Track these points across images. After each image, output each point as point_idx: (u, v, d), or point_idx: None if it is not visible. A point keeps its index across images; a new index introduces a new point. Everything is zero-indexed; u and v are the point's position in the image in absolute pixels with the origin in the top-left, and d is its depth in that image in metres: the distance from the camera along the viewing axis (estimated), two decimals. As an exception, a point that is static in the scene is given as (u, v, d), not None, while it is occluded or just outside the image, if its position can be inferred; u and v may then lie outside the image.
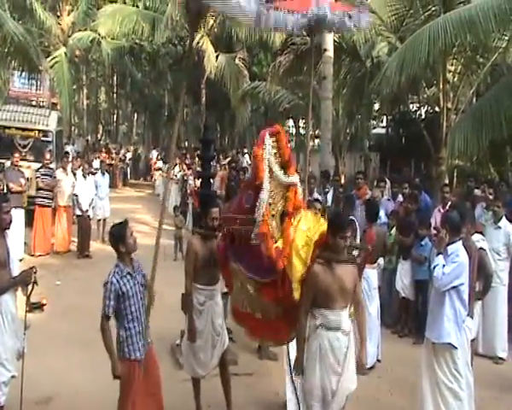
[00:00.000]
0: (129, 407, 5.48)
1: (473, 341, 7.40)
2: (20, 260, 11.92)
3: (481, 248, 7.80)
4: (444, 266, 6.13)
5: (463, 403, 6.31)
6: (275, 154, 5.78)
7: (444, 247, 6.31)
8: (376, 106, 24.12)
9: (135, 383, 5.48)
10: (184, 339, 6.71)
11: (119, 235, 5.54)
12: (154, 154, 34.37)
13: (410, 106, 21.41)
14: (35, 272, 5.88)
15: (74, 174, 15.56)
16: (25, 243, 14.53)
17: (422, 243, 10.03)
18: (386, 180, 14.66)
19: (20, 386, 5.76)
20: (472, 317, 7.12)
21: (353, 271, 5.52)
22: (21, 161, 15.10)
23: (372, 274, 8.70)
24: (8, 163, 14.73)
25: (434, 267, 6.23)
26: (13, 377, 6.00)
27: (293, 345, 6.14)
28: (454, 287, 6.16)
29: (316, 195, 12.22)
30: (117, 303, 5.41)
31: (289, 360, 6.38)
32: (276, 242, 5.58)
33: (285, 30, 6.50)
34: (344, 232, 5.35)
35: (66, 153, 17.15)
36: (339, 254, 5.39)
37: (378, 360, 8.71)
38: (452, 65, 14.42)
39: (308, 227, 5.56)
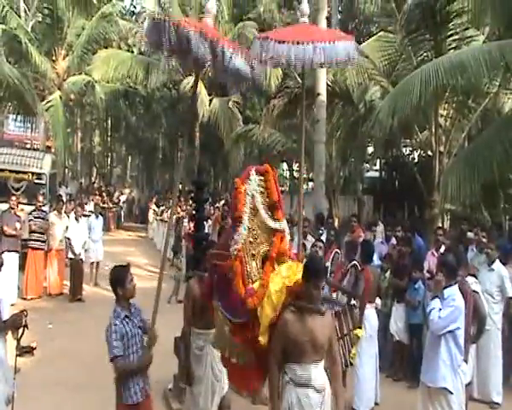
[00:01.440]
0: None
1: (468, 385, 7.36)
2: (12, 305, 11.80)
3: (475, 291, 7.78)
4: (440, 309, 6.10)
5: (459, 447, 6.22)
6: (261, 192, 5.60)
7: (441, 290, 6.29)
8: (370, 149, 24.32)
9: None
10: (188, 388, 6.61)
11: (118, 278, 5.52)
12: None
13: (403, 149, 21.61)
14: (26, 316, 5.80)
15: (68, 217, 15.51)
16: (17, 287, 14.43)
17: (416, 286, 9.98)
18: (379, 223, 14.69)
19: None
20: (467, 361, 7.07)
21: (329, 323, 5.07)
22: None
23: (372, 314, 8.59)
24: (4, 206, 14.65)
25: (430, 311, 6.20)
26: None
27: None
28: (450, 331, 6.13)
29: (309, 237, 12.21)
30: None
31: None
32: (252, 282, 5.35)
33: (283, 61, 6.14)
34: (318, 281, 4.91)
35: (59, 196, 17.14)
36: (312, 304, 4.95)
37: (376, 404, 8.62)
38: (444, 109, 14.59)
39: (288, 275, 5.24)
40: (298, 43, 6.00)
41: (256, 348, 5.19)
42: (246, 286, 5.27)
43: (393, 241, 12.33)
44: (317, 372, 4.94)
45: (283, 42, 6.02)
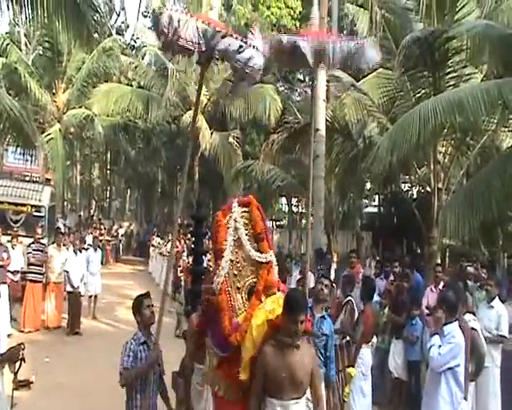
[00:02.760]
0: None
1: (466, 422, 7.31)
2: (9, 336, 11.74)
3: (473, 329, 7.75)
4: (440, 346, 6.09)
5: None
6: (245, 224, 5.52)
7: (440, 327, 6.28)
8: (368, 185, 24.41)
9: None
10: None
11: (135, 304, 5.79)
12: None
13: (402, 185, 21.68)
14: (23, 349, 5.80)
15: (67, 250, 15.49)
16: (14, 319, 14.36)
17: (413, 322, 9.96)
18: (372, 258, 14.73)
19: None
20: (466, 398, 7.03)
21: (309, 357, 4.89)
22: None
23: (367, 354, 8.56)
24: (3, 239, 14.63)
25: (430, 347, 6.20)
26: None
27: None
28: (450, 368, 6.11)
29: (308, 273, 12.18)
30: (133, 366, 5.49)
31: None
32: (237, 316, 5.28)
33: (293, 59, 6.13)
34: (297, 315, 4.68)
35: (58, 228, 17.12)
36: (291, 339, 4.75)
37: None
38: (443, 146, 14.67)
39: (272, 308, 5.11)
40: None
41: (240, 383, 5.08)
42: (231, 320, 5.21)
43: (391, 277, 12.34)
44: (294, 409, 4.78)
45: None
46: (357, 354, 8.05)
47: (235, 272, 5.43)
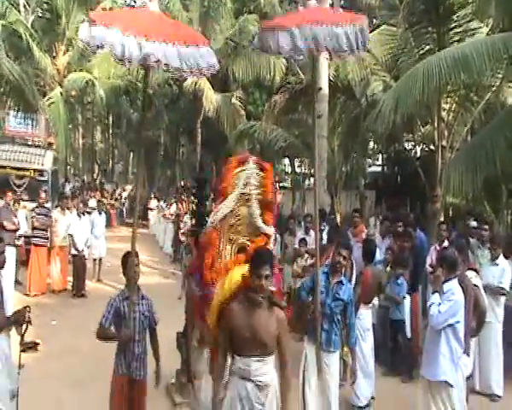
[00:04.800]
0: None
1: (469, 378, 7.40)
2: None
3: (475, 285, 7.76)
4: (440, 304, 6.09)
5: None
6: (256, 186, 5.55)
7: (440, 285, 6.28)
8: (371, 144, 24.29)
9: (118, 397, 5.73)
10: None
11: (122, 262, 5.99)
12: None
13: (406, 144, 21.58)
14: (29, 312, 5.81)
15: (71, 213, 15.50)
16: (20, 283, 14.44)
17: (399, 281, 9.91)
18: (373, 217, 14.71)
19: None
20: (468, 354, 7.08)
21: (277, 321, 4.77)
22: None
23: (366, 314, 8.59)
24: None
25: (430, 306, 6.20)
26: None
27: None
28: (450, 325, 6.12)
29: (312, 233, 12.19)
30: (116, 321, 5.79)
31: None
32: (220, 261, 5.35)
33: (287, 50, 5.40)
34: (260, 269, 4.58)
35: (62, 192, 17.09)
36: (256, 296, 4.67)
37: (372, 398, 8.59)
38: (447, 103, 14.53)
39: None
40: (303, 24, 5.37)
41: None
42: (214, 260, 5.29)
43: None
44: (257, 368, 4.74)
45: (287, 28, 5.39)
46: (355, 312, 8.04)
47: (232, 223, 5.46)
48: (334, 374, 6.57)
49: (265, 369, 4.76)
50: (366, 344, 8.52)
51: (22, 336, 5.94)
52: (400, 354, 10.01)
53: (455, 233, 12.52)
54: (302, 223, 14.04)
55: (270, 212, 5.60)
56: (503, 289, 9.27)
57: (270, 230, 5.57)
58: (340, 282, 6.62)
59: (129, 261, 5.83)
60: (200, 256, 5.64)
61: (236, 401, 4.74)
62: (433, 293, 6.41)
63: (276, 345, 4.78)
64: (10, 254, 12.71)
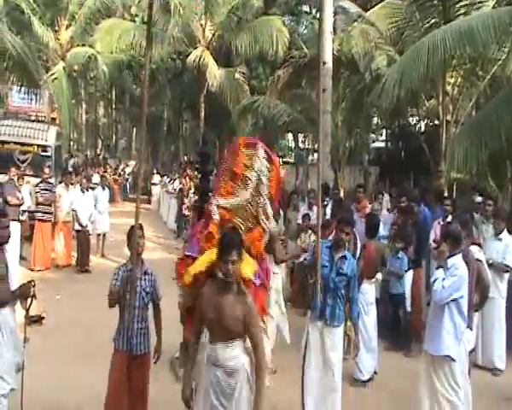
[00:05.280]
0: (112, 398, 5.74)
1: (471, 352, 7.39)
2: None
3: (478, 260, 7.75)
4: (443, 279, 6.09)
5: (461, 414, 6.28)
6: (268, 177, 5.48)
7: (444, 260, 6.27)
8: (375, 119, 24.16)
9: (118, 371, 5.76)
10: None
11: (127, 235, 5.98)
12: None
13: (410, 119, 21.46)
14: (34, 286, 5.81)
15: (74, 188, 15.50)
16: (24, 258, 14.49)
17: (399, 256, 9.92)
18: (384, 193, 14.65)
19: (20, 399, 5.70)
20: (471, 328, 7.09)
21: (243, 305, 4.62)
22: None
23: (369, 289, 8.64)
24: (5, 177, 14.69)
25: (434, 281, 6.18)
26: (12, 390, 5.89)
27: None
28: (453, 300, 6.12)
29: (315, 209, 12.18)
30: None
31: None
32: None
33: None
34: (226, 255, 4.51)
35: (65, 169, 17.06)
36: (223, 279, 4.58)
37: (375, 373, 8.67)
38: (452, 77, 14.42)
39: None
40: None
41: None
42: (208, 226, 5.23)
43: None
44: (225, 353, 4.66)
45: None
46: (358, 286, 8.05)
47: (238, 213, 5.40)
48: (337, 349, 6.55)
49: (233, 354, 4.67)
50: (369, 319, 8.59)
51: (27, 310, 5.96)
52: (401, 328, 10.05)
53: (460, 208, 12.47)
54: (306, 198, 14.00)
55: (272, 207, 5.56)
56: (507, 266, 9.27)
57: (269, 225, 5.50)
58: (344, 257, 6.59)
59: (133, 234, 5.82)
60: (199, 227, 5.61)
61: (209, 387, 4.71)
62: (436, 268, 6.39)
63: (246, 331, 4.65)
64: (15, 229, 12.75)
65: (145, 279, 5.92)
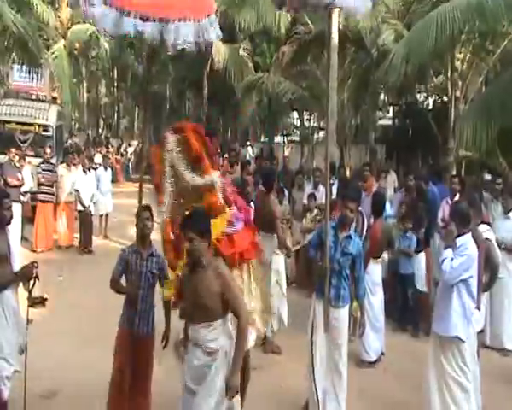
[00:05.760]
0: (117, 376, 5.76)
1: (480, 333, 7.37)
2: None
3: (487, 239, 7.59)
4: (452, 259, 5.97)
5: (470, 395, 6.21)
6: (181, 151, 5.45)
7: (453, 239, 6.13)
8: (382, 96, 23.95)
9: (122, 352, 5.78)
10: None
11: (136, 215, 6.03)
12: None
13: (418, 96, 21.29)
14: (36, 267, 5.76)
15: (76, 168, 15.34)
16: (26, 239, 14.40)
17: (407, 235, 9.91)
18: (391, 172, 14.50)
19: (24, 380, 5.62)
20: (479, 309, 7.01)
21: (217, 283, 4.62)
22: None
23: (376, 269, 8.59)
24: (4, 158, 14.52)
25: (443, 261, 6.07)
26: (15, 371, 5.90)
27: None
28: (462, 280, 6.02)
29: (321, 188, 12.03)
30: (126, 273, 5.87)
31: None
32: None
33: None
34: (184, 232, 4.61)
35: (67, 148, 16.85)
36: (193, 261, 4.67)
37: (382, 353, 8.63)
38: (461, 53, 14.26)
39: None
40: None
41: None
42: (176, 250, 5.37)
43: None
44: (204, 334, 4.69)
45: None
46: (365, 266, 7.91)
47: (181, 201, 5.45)
48: (343, 329, 6.50)
49: (213, 335, 4.69)
50: (376, 299, 8.57)
51: (30, 291, 5.90)
52: (409, 308, 10.01)
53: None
54: (311, 178, 13.81)
55: (205, 161, 5.47)
56: None
57: (211, 177, 5.45)
58: (349, 236, 6.49)
59: (142, 215, 5.89)
60: None
61: (191, 368, 4.79)
62: (445, 248, 6.26)
63: (226, 304, 4.66)
64: (16, 210, 12.64)
65: (152, 261, 5.89)
